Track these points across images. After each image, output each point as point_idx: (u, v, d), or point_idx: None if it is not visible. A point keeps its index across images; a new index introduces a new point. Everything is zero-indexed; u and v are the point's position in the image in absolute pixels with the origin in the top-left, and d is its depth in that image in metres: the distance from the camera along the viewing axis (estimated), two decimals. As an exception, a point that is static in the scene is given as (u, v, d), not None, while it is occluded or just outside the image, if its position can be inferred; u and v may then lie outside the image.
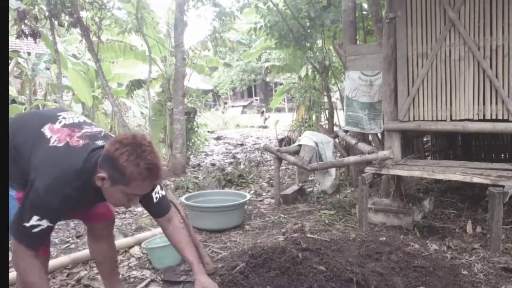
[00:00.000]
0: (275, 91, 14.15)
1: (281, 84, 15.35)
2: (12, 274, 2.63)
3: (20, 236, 1.68)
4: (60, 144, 1.75)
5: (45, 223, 1.66)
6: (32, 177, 1.68)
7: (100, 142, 1.79)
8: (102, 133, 1.88)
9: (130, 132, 1.74)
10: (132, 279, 2.76)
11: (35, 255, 1.72)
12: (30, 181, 1.68)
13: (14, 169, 1.75)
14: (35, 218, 1.64)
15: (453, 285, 2.32)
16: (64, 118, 1.89)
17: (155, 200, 1.96)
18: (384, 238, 3.06)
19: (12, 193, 1.78)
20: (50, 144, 1.74)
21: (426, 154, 5.25)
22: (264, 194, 5.26)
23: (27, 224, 1.64)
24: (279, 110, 23.35)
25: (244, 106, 31.39)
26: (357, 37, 5.64)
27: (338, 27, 6.43)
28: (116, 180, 1.63)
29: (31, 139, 1.78)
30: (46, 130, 1.80)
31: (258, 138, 13.48)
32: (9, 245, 1.63)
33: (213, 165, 7.74)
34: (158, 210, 2.02)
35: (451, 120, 3.57)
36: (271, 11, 7.01)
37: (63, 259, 2.97)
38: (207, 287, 1.94)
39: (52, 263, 2.75)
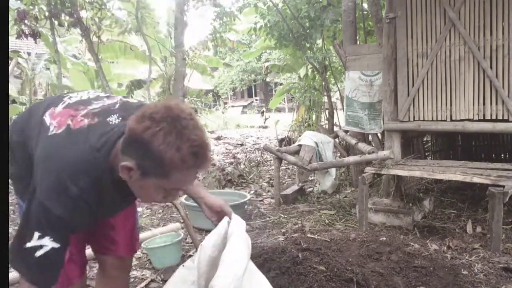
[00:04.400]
0: (275, 91, 14.16)
1: (281, 84, 15.36)
2: (12, 274, 2.63)
3: (22, 266, 1.18)
4: (60, 130, 1.28)
5: (47, 243, 1.16)
6: (35, 180, 1.25)
7: (113, 118, 1.32)
8: (117, 104, 1.39)
9: (161, 103, 1.20)
10: (132, 279, 2.76)
11: None
12: (32, 186, 1.24)
13: (24, 173, 1.36)
14: (36, 235, 1.16)
15: (453, 285, 2.31)
16: (70, 98, 1.42)
17: None
18: (384, 238, 3.06)
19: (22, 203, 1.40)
20: (49, 134, 1.29)
21: (426, 154, 5.25)
22: (264, 194, 5.26)
23: (28, 245, 1.15)
24: (279, 110, 23.33)
25: (244, 106, 31.38)
26: (357, 37, 5.64)
27: (338, 27, 6.43)
28: (148, 171, 1.14)
29: (34, 132, 1.35)
30: (47, 117, 1.35)
31: (258, 138, 13.46)
32: (9, 246, 1.52)
33: (213, 165, 7.74)
34: None
35: (451, 120, 3.57)
36: (271, 11, 7.02)
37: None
38: (213, 203, 1.58)
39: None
